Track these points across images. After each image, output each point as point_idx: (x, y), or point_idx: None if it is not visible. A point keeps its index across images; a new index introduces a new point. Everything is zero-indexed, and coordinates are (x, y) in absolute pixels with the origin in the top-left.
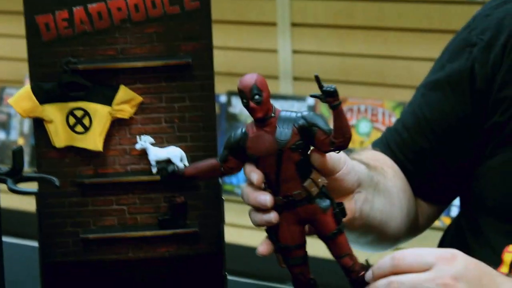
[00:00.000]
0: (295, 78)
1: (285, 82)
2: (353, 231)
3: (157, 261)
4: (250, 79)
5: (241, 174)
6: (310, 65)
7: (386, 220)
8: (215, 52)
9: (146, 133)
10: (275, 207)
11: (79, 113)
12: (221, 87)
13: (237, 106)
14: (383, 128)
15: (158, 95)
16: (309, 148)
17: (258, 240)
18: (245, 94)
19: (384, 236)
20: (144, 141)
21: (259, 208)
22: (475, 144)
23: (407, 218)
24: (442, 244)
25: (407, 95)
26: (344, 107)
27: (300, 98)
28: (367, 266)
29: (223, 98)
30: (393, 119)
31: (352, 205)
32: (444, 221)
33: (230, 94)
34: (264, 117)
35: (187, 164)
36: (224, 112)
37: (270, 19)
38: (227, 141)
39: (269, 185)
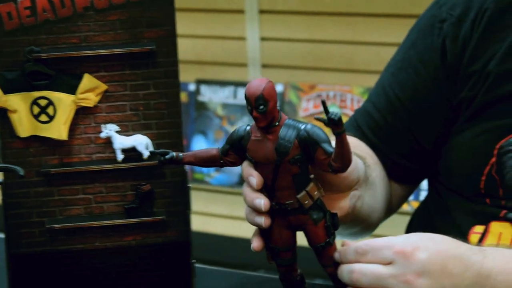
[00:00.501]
0: (264, 65)
1: (253, 69)
2: (341, 225)
3: (125, 249)
4: (257, 87)
5: None
6: (279, 52)
7: (372, 212)
8: (183, 41)
9: (111, 121)
10: (269, 210)
11: (43, 102)
12: (190, 76)
13: (206, 95)
14: None
15: (123, 82)
16: (309, 161)
17: (229, 229)
18: (250, 102)
19: (367, 226)
20: (109, 130)
21: (254, 209)
22: (446, 120)
23: (385, 205)
24: (410, 227)
25: (376, 81)
26: (313, 93)
27: None
28: None
29: (192, 87)
30: None
31: (347, 202)
32: (413, 205)
33: (199, 82)
34: (267, 126)
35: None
36: (193, 100)
37: (238, 6)
38: (230, 136)
39: (265, 188)
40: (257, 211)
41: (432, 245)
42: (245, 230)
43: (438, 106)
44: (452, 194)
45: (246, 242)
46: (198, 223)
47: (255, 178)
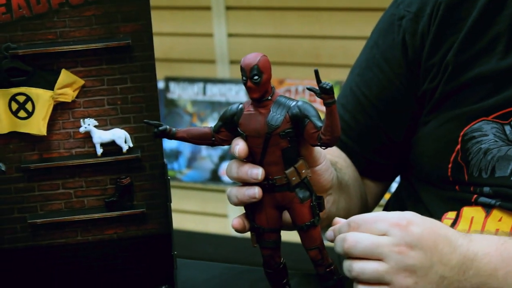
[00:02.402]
0: (232, 62)
1: (222, 66)
2: None
3: (106, 243)
4: (253, 58)
5: (182, 160)
6: (246, 48)
7: (348, 215)
8: None
9: (89, 116)
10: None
11: (21, 99)
12: (158, 73)
13: (175, 92)
14: (322, 108)
15: (100, 77)
16: (299, 138)
17: (201, 225)
18: (245, 72)
19: None
20: (88, 124)
21: (244, 184)
22: (413, 113)
23: (361, 206)
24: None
25: (343, 74)
26: (282, 88)
27: (237, 81)
28: (336, 267)
29: (160, 84)
30: None
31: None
32: (385, 197)
33: (167, 79)
34: (260, 98)
35: (131, 145)
36: (162, 98)
37: (205, 3)
38: (223, 113)
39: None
40: (248, 184)
41: (425, 222)
42: (218, 226)
43: (405, 100)
44: (423, 183)
45: (220, 238)
46: None
47: (240, 145)
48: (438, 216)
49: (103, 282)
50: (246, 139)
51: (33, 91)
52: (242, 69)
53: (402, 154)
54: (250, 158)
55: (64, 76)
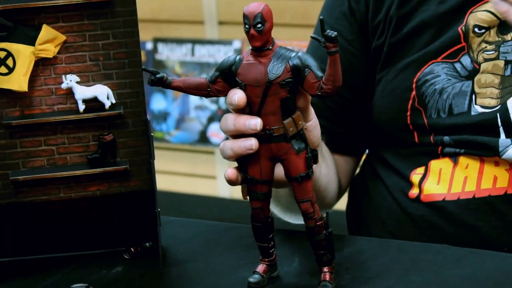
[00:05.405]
0: (220, 22)
1: (210, 27)
2: None
3: (89, 200)
4: (257, 6)
5: (170, 122)
6: (235, 8)
7: (328, 183)
8: (139, 0)
9: (71, 72)
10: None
11: (1, 54)
12: (147, 34)
13: (164, 53)
14: None
15: (81, 33)
16: (297, 88)
17: (190, 187)
18: (248, 20)
19: (324, 203)
20: (70, 80)
21: (239, 136)
22: (371, 77)
23: (337, 179)
24: (361, 177)
25: None
26: None
27: (226, 42)
28: (326, 221)
29: (149, 45)
30: None
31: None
32: None
33: (156, 40)
34: (261, 47)
35: (114, 101)
36: (150, 59)
37: None
38: (220, 64)
39: (250, 114)
40: (245, 135)
41: None
42: (206, 188)
43: (361, 65)
44: (388, 145)
45: (208, 199)
46: (159, 182)
47: (239, 94)
48: (405, 173)
49: (86, 239)
50: (244, 88)
51: (14, 47)
52: (245, 16)
53: (367, 121)
54: (247, 109)
55: (46, 31)
